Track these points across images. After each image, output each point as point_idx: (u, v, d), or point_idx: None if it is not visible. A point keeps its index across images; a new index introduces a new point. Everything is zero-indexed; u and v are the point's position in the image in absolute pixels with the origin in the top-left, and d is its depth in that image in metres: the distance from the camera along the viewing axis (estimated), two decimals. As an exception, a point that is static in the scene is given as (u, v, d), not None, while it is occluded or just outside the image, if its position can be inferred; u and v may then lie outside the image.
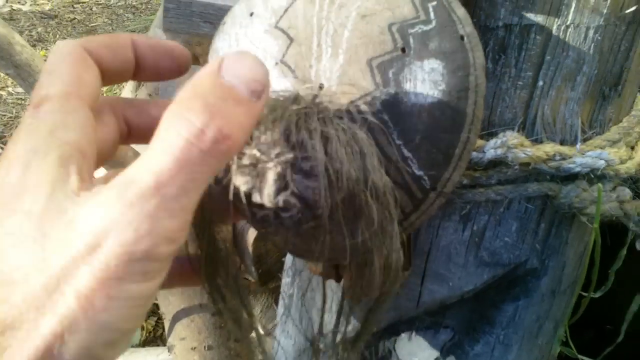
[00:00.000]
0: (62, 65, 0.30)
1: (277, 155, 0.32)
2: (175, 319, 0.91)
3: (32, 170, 0.27)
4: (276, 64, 0.38)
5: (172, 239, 0.26)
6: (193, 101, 0.26)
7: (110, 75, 0.33)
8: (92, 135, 0.30)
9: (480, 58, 0.38)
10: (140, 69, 0.35)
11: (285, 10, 0.39)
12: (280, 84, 0.38)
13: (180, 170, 0.25)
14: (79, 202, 0.26)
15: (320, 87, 0.38)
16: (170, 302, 0.93)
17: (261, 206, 0.33)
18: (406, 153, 0.37)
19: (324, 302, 0.54)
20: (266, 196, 0.33)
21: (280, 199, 0.33)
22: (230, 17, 0.41)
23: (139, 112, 0.37)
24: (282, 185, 0.32)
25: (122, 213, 0.25)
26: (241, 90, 0.27)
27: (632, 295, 0.57)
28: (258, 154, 0.33)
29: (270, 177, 0.32)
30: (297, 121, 0.33)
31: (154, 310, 1.31)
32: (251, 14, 0.40)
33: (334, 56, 0.37)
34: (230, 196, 0.32)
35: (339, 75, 0.37)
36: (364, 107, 0.36)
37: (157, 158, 0.25)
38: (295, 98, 0.35)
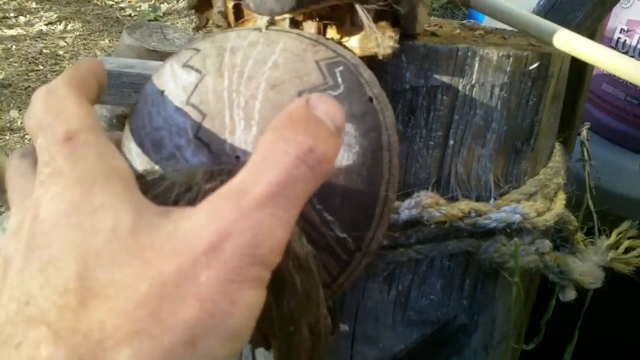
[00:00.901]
0: (68, 105, 0.30)
1: None
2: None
3: (96, 191, 0.26)
4: (190, 140, 0.38)
5: (279, 250, 0.26)
6: (296, 126, 0.28)
7: None
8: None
9: (390, 117, 0.39)
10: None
11: (196, 86, 0.39)
12: (197, 159, 0.38)
13: (290, 183, 0.26)
14: (175, 218, 0.26)
15: (237, 159, 0.38)
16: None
17: None
18: (327, 217, 0.37)
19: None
20: None
21: None
22: (142, 97, 0.41)
23: None
24: None
25: (241, 218, 0.25)
26: (330, 125, 0.29)
27: (564, 346, 0.57)
28: None
29: None
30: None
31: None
32: (162, 92, 0.40)
33: (247, 128, 0.38)
34: None
35: (254, 146, 0.37)
36: None
37: (266, 172, 0.27)
38: (211, 173, 0.35)
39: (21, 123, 2.89)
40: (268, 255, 0.26)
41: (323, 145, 0.28)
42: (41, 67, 3.47)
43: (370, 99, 0.38)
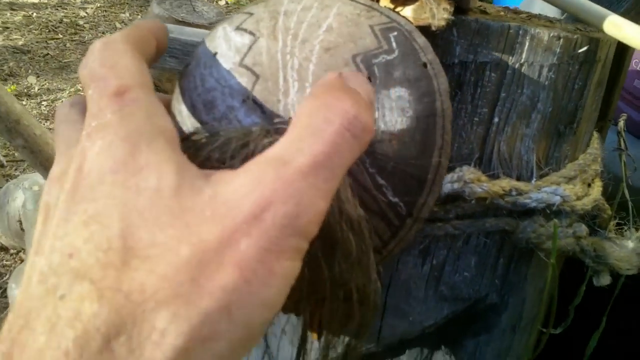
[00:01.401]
0: (124, 60, 0.30)
1: None
2: None
3: (142, 149, 0.26)
4: (244, 101, 0.38)
5: (318, 221, 0.26)
6: (338, 94, 0.28)
7: None
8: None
9: (444, 84, 0.39)
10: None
11: (249, 48, 0.39)
12: (250, 119, 0.38)
13: (334, 154, 0.26)
14: (215, 181, 0.26)
15: (290, 120, 0.38)
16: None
17: None
18: (380, 181, 0.37)
19: (304, 339, 0.53)
20: None
21: None
22: (194, 59, 0.42)
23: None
24: None
25: (283, 187, 0.25)
26: (365, 97, 0.29)
27: (592, 331, 0.57)
28: None
29: None
30: None
31: None
32: (215, 54, 0.40)
33: (301, 90, 0.38)
34: None
35: None
36: None
37: (309, 141, 0.26)
38: (267, 131, 0.35)
39: (38, 89, 2.90)
40: (307, 226, 0.26)
41: (366, 114, 0.28)
42: (60, 36, 3.48)
43: (425, 65, 0.39)
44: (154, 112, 0.29)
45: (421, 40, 0.39)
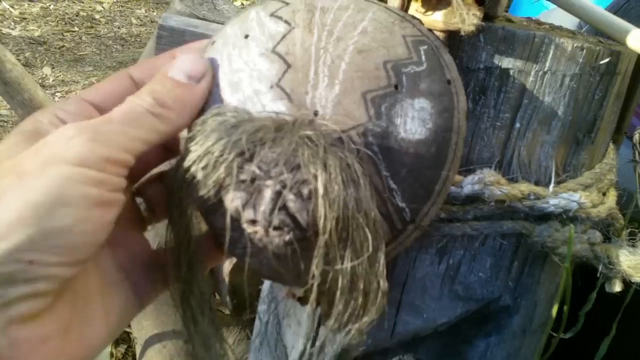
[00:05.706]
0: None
1: (277, 175, 0.34)
2: (148, 344, 0.91)
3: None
4: (271, 87, 0.39)
5: (126, 148, 0.35)
6: (142, 90, 0.38)
7: None
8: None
9: (463, 102, 0.40)
10: None
11: (283, 37, 0.40)
12: (275, 106, 0.39)
13: (126, 116, 0.36)
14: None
15: (315, 113, 0.39)
16: (143, 327, 0.93)
17: (253, 222, 0.34)
18: (392, 184, 0.39)
19: (316, 329, 0.54)
20: (261, 213, 0.34)
21: (275, 217, 0.34)
22: (221, 37, 0.42)
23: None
24: (277, 204, 0.34)
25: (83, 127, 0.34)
26: (180, 78, 0.39)
27: (602, 337, 0.58)
28: (257, 171, 0.34)
29: (267, 194, 0.34)
30: (300, 144, 0.35)
31: (124, 338, 1.30)
32: (246, 36, 0.41)
33: (330, 85, 0.39)
34: (227, 208, 0.34)
35: (334, 104, 0.39)
36: (356, 137, 0.38)
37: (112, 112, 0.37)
38: (301, 122, 0.36)
39: (53, 80, 2.92)
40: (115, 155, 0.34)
41: (157, 95, 0.38)
42: (76, 29, 3.51)
43: (448, 81, 0.40)
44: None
45: (447, 57, 0.41)
